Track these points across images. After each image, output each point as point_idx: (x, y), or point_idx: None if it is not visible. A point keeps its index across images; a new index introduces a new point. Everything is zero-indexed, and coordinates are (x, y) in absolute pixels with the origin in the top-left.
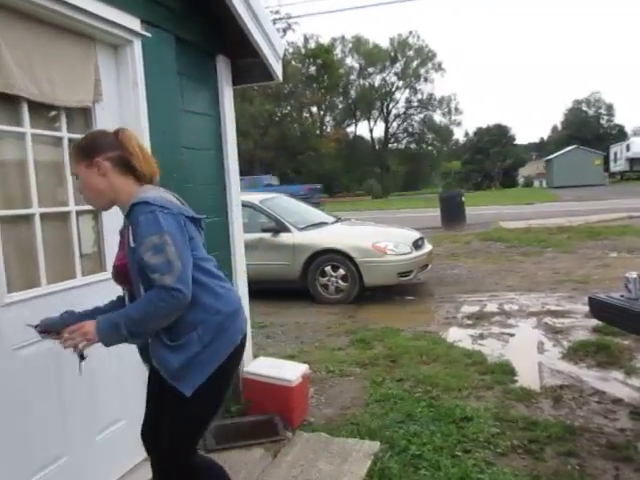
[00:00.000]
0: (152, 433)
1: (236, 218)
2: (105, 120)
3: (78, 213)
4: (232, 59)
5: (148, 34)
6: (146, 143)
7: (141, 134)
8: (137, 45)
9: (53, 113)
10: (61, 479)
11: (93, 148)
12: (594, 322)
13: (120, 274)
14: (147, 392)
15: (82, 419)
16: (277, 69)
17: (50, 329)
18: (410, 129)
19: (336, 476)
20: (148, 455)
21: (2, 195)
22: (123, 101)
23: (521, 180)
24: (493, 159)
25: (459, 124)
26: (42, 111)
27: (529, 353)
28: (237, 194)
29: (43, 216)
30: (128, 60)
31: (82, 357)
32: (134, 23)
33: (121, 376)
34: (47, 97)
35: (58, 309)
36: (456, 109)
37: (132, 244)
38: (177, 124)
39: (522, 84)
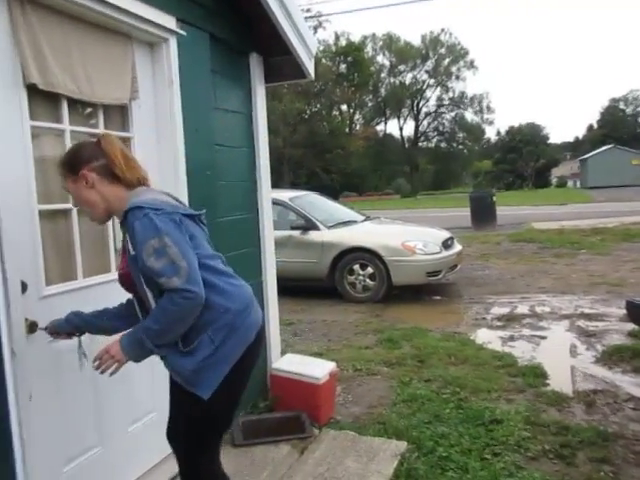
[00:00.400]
0: (174, 433)
1: (267, 215)
2: (141, 117)
3: None
4: (265, 57)
5: (183, 32)
6: (180, 141)
7: (175, 132)
8: (173, 43)
9: (91, 110)
10: (93, 469)
11: (77, 161)
12: (630, 326)
13: (125, 282)
14: (170, 391)
15: (115, 410)
16: (309, 67)
17: (58, 330)
18: (441, 127)
19: (363, 475)
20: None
21: (42, 190)
22: (158, 99)
23: (554, 180)
24: (526, 159)
25: (491, 123)
26: (80, 108)
27: (561, 356)
28: (268, 191)
29: (80, 211)
30: (164, 58)
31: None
32: (170, 21)
33: (154, 369)
34: (86, 95)
35: (93, 302)
36: (488, 107)
37: (132, 252)
38: (210, 122)
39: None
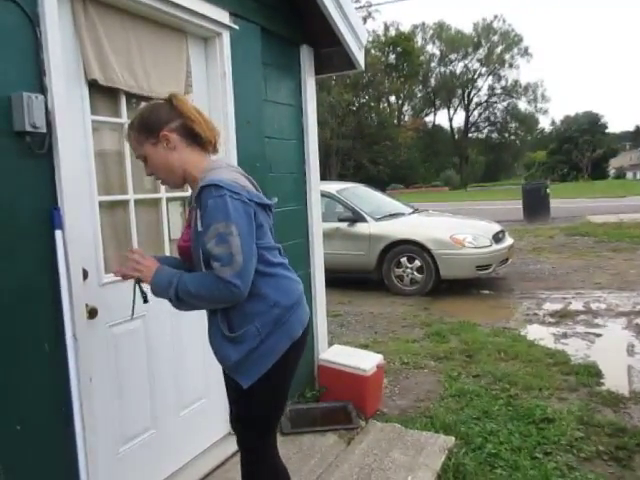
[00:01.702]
0: (233, 416)
1: (315, 207)
2: None
3: (168, 200)
4: (315, 48)
5: (236, 26)
6: (231, 133)
7: (228, 124)
8: (226, 37)
9: (147, 103)
10: (148, 450)
11: (156, 122)
12: None
13: (184, 254)
14: (225, 382)
15: (169, 394)
16: (360, 58)
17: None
18: (492, 118)
19: (410, 467)
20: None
21: (102, 182)
22: (211, 92)
23: (612, 171)
24: (582, 149)
25: (545, 112)
26: (136, 102)
27: (617, 355)
28: (316, 183)
29: (137, 202)
30: (217, 52)
31: (143, 293)
32: (223, 16)
33: (205, 357)
34: (144, 89)
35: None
36: (543, 96)
37: (199, 228)
38: (261, 114)
39: (617, 68)
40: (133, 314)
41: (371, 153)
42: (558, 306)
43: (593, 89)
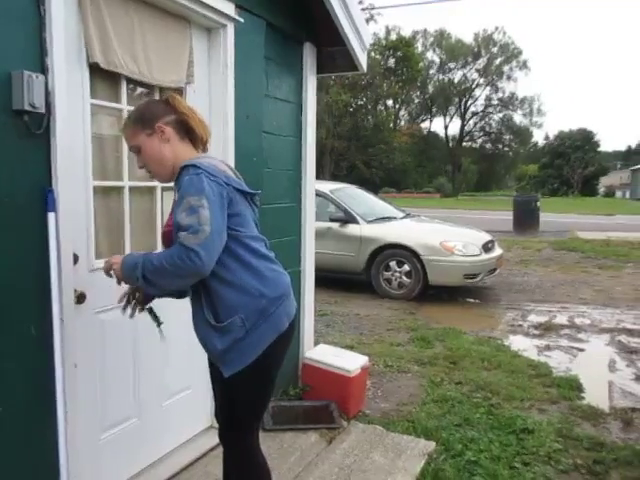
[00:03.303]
0: (216, 408)
1: (309, 205)
2: (195, 101)
3: (163, 189)
4: (318, 47)
5: (241, 19)
6: (230, 126)
7: (227, 117)
8: (230, 29)
9: (147, 92)
10: (129, 438)
11: (153, 115)
12: None
13: (165, 240)
14: (210, 378)
15: (153, 384)
16: (362, 60)
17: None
18: (487, 128)
19: (389, 470)
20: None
21: (98, 167)
22: (212, 84)
23: (602, 189)
24: (573, 165)
25: (540, 126)
26: (137, 89)
27: (599, 370)
28: (312, 181)
29: (132, 189)
30: (220, 44)
31: (158, 322)
32: (229, 8)
33: (192, 347)
34: (145, 76)
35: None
36: (539, 110)
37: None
38: (260, 109)
39: (613, 87)
40: (162, 335)
41: (365, 155)
42: (543, 319)
43: (588, 107)
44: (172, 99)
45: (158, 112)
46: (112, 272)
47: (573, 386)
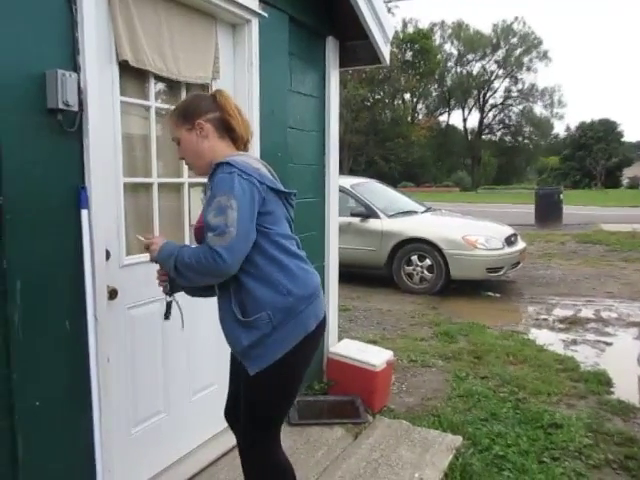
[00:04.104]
0: (232, 410)
1: (333, 200)
2: None
3: (190, 185)
4: (340, 41)
5: (265, 14)
6: (255, 122)
7: (252, 113)
8: (254, 24)
9: (174, 88)
10: (158, 433)
11: (195, 110)
12: None
13: (198, 235)
14: (230, 371)
15: (181, 379)
16: (385, 52)
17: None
18: (507, 120)
19: (417, 465)
20: (233, 432)
21: (127, 164)
22: (238, 79)
23: (626, 181)
24: (596, 156)
25: (561, 117)
26: (164, 86)
27: (628, 365)
28: (335, 176)
29: (160, 186)
30: (245, 39)
31: (166, 315)
32: (253, 2)
33: (219, 344)
34: (172, 73)
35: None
36: (559, 101)
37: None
38: (284, 104)
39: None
40: (183, 325)
41: (383, 150)
42: (568, 312)
43: (610, 96)
44: (219, 96)
45: (201, 108)
46: (148, 247)
47: (602, 381)
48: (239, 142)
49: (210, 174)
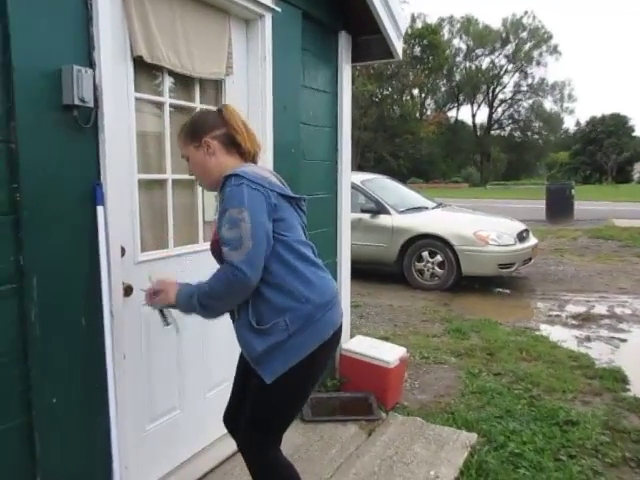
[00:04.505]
0: (233, 416)
1: (345, 196)
2: (233, 93)
3: None
4: (353, 36)
5: (279, 9)
6: (268, 118)
7: (265, 108)
8: (268, 20)
9: (187, 85)
10: (174, 429)
11: (201, 128)
12: None
13: (214, 250)
14: (235, 376)
15: (196, 376)
16: (398, 47)
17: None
18: (516, 115)
19: (432, 462)
20: (233, 438)
21: (141, 160)
22: (251, 75)
23: (637, 176)
24: (607, 151)
25: (571, 112)
26: (178, 82)
27: None
28: (347, 172)
29: (174, 182)
30: (258, 34)
31: (164, 317)
32: None
33: (232, 340)
34: (187, 69)
35: (182, 271)
36: (570, 96)
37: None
38: (297, 100)
39: None
40: (177, 330)
41: (392, 146)
42: (581, 309)
43: (621, 91)
44: (225, 111)
45: (208, 125)
46: (156, 298)
47: (617, 377)
48: (247, 156)
49: (220, 187)
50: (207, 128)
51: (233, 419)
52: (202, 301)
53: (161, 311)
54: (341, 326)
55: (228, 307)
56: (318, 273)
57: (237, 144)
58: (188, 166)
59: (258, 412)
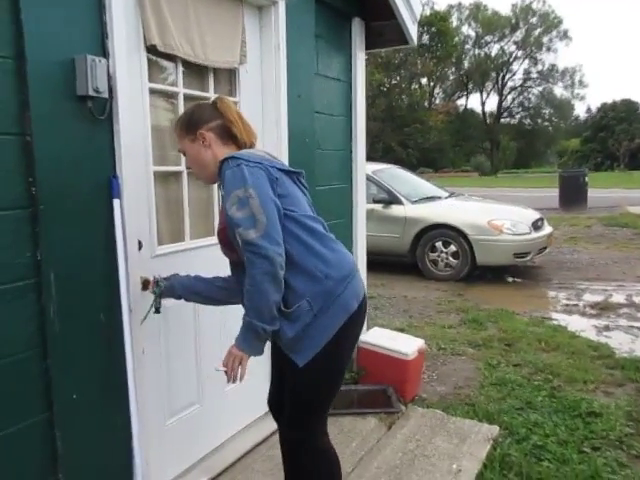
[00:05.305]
0: (277, 402)
1: (360, 185)
2: (247, 82)
3: None
4: (367, 21)
5: None
6: (283, 106)
7: (279, 97)
8: (281, 6)
9: (201, 74)
10: (193, 424)
11: (196, 121)
12: None
13: (221, 240)
14: (271, 360)
15: (214, 370)
16: (413, 32)
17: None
18: (526, 103)
19: (454, 455)
20: (278, 426)
21: (157, 152)
22: (265, 64)
23: None
24: (618, 137)
25: (582, 98)
26: (191, 72)
27: None
28: (362, 161)
29: (190, 175)
30: (272, 22)
31: (157, 310)
32: None
33: None
34: (200, 58)
35: (198, 264)
36: (580, 82)
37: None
38: (311, 88)
39: None
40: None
41: (401, 136)
42: (599, 298)
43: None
44: (220, 103)
45: (203, 118)
46: (240, 367)
47: (639, 367)
48: (243, 147)
49: (218, 173)
50: (202, 120)
51: (277, 404)
52: (260, 317)
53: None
54: (365, 297)
55: (275, 297)
56: (333, 247)
57: (233, 136)
58: (186, 160)
59: (299, 395)
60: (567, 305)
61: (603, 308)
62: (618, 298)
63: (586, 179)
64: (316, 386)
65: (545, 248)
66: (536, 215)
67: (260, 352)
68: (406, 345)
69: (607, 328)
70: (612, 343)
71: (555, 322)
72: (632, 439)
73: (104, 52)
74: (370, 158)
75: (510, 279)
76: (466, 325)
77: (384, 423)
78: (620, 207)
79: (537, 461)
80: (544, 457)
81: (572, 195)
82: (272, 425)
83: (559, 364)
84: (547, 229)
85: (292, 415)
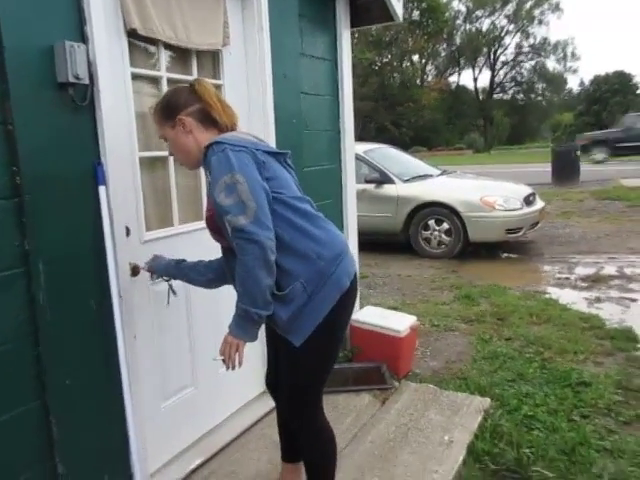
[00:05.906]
0: (275, 382)
1: (349, 166)
2: (231, 64)
3: None
4: None
5: None
6: (268, 88)
7: (265, 78)
8: None
9: (184, 57)
10: (187, 406)
11: (174, 107)
12: None
13: (210, 224)
14: (266, 341)
15: (208, 353)
16: (398, 9)
17: (155, 272)
18: (519, 77)
19: (447, 428)
20: (276, 404)
21: (141, 137)
22: (248, 45)
23: None
24: (612, 110)
25: (575, 71)
26: (174, 55)
27: None
28: (351, 141)
29: (177, 160)
30: (254, 2)
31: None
32: None
33: None
34: (182, 41)
35: (187, 248)
36: (573, 54)
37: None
38: (297, 69)
39: None
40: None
41: (393, 115)
42: (590, 270)
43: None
44: (198, 85)
45: (180, 103)
46: (237, 353)
47: (629, 337)
48: (224, 131)
49: (203, 159)
50: (180, 105)
51: (274, 384)
52: (254, 302)
53: (170, 286)
54: (356, 275)
55: (267, 282)
56: (324, 226)
57: (213, 119)
58: (168, 147)
59: (296, 376)
60: (559, 279)
61: (595, 280)
62: (610, 270)
63: (578, 153)
64: (312, 364)
65: (537, 223)
66: (528, 190)
67: (255, 337)
68: (398, 322)
69: (598, 300)
70: (603, 314)
71: (547, 296)
72: (621, 406)
73: (83, 38)
74: (363, 139)
75: (504, 255)
76: (459, 301)
77: (378, 399)
78: (613, 180)
79: (527, 430)
80: (534, 426)
81: (565, 169)
82: (266, 406)
83: (550, 336)
84: (539, 204)
85: (290, 395)
